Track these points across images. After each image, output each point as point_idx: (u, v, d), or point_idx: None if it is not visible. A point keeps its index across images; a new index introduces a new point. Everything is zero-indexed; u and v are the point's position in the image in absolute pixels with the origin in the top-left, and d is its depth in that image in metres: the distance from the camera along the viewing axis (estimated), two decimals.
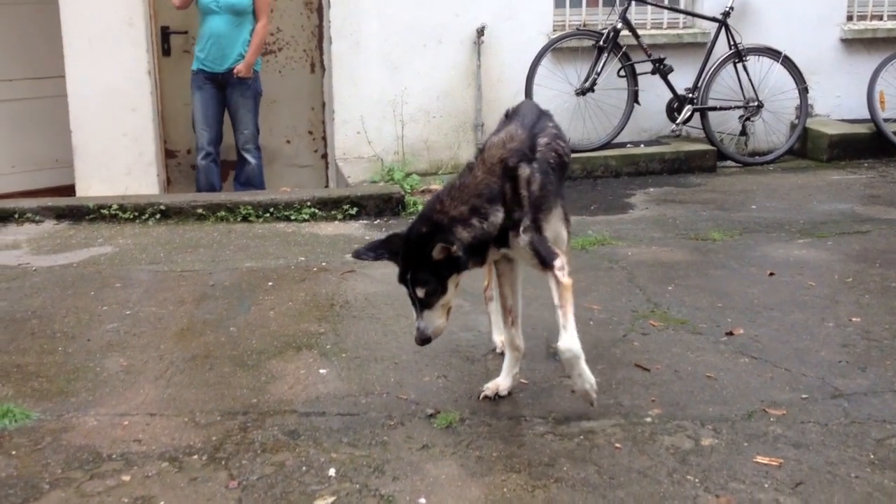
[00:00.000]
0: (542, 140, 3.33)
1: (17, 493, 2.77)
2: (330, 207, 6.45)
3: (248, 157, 7.28)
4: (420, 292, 2.99)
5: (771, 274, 4.74)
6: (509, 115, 3.56)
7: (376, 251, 3.09)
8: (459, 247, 2.94)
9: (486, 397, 3.31)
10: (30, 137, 8.12)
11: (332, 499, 2.70)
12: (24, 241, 5.88)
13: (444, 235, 2.95)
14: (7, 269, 5.25)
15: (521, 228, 3.11)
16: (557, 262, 3.16)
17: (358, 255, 3.12)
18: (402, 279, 3.02)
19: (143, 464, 2.93)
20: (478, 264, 3.16)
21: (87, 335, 4.12)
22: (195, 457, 2.98)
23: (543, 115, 3.54)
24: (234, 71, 7.04)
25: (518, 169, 3.15)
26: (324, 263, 5.15)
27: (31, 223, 6.33)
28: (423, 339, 3.05)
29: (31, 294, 4.74)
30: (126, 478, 2.85)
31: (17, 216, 6.35)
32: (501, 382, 3.34)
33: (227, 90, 7.15)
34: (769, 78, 7.93)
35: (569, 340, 3.10)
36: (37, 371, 3.71)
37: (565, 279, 3.15)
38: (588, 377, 3.13)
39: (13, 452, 3.02)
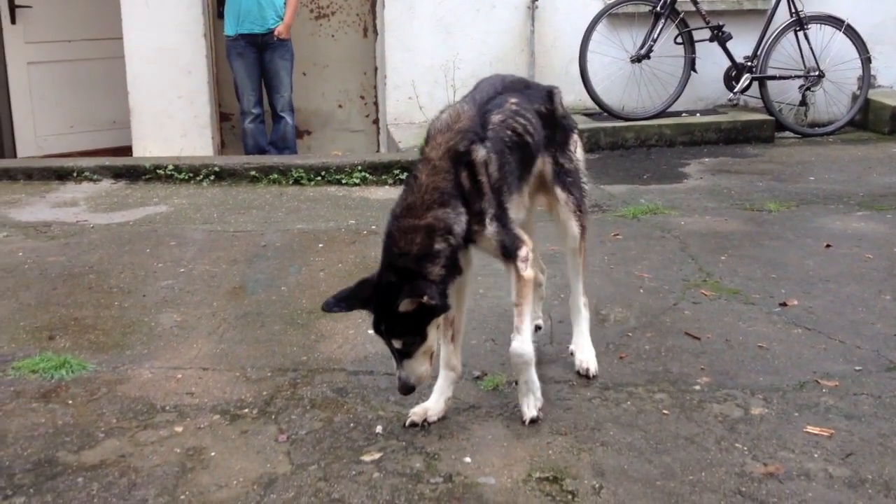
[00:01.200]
0: (496, 117, 2.92)
1: (73, 440, 2.84)
2: (381, 172, 6.47)
3: (287, 117, 7.39)
4: (397, 344, 2.72)
5: (828, 246, 4.65)
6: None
7: (348, 301, 2.77)
8: (433, 293, 2.64)
9: (412, 424, 2.90)
10: (88, 98, 8.25)
11: (378, 455, 2.73)
12: (82, 199, 6.00)
13: (412, 286, 2.62)
14: (65, 225, 5.36)
15: (487, 219, 2.79)
16: (521, 252, 2.84)
17: (328, 307, 2.79)
18: (377, 330, 2.75)
19: (196, 416, 2.99)
20: (457, 276, 2.82)
21: (142, 291, 4.20)
22: (246, 410, 3.03)
23: (509, 89, 3.08)
24: (275, 33, 7.09)
25: (471, 153, 2.79)
26: (374, 227, 5.18)
27: (89, 182, 6.45)
28: (407, 389, 2.77)
29: (88, 250, 4.84)
30: (179, 429, 2.91)
31: (75, 174, 6.48)
32: (432, 406, 2.94)
33: (265, 54, 7.22)
34: (831, 47, 7.74)
35: (521, 344, 2.83)
36: (93, 324, 3.80)
37: (526, 272, 2.83)
38: (535, 389, 2.89)
39: (69, 402, 3.10)
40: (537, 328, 3.41)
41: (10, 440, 2.83)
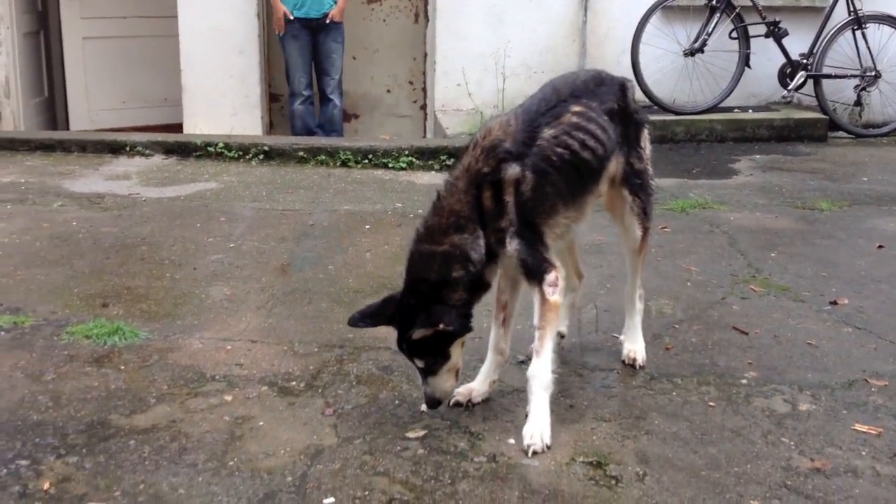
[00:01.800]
0: (548, 132, 2.78)
1: (126, 404, 2.90)
2: (427, 157, 6.50)
3: (336, 100, 7.43)
4: (420, 363, 2.72)
5: (880, 247, 4.60)
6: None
7: (373, 318, 2.78)
8: (451, 319, 2.64)
9: (456, 404, 2.90)
10: (141, 75, 8.36)
11: (423, 432, 2.75)
12: (134, 173, 6.09)
13: (427, 315, 2.62)
14: (118, 197, 5.45)
15: (507, 237, 2.70)
16: (549, 276, 2.72)
17: (354, 322, 2.81)
18: (400, 349, 2.75)
19: (245, 386, 3.04)
20: (486, 290, 2.82)
21: (193, 264, 4.26)
22: (293, 383, 3.06)
23: (578, 94, 2.93)
24: (330, 16, 7.13)
25: (500, 172, 2.69)
26: (420, 210, 5.18)
27: (141, 156, 6.56)
28: (433, 403, 2.76)
29: (140, 222, 4.92)
30: (228, 398, 2.95)
31: (128, 149, 6.59)
32: (477, 388, 2.95)
33: (319, 36, 7.25)
34: (889, 47, 7.63)
35: (539, 367, 2.74)
36: (146, 294, 3.87)
37: (553, 297, 2.72)
38: (544, 420, 2.70)
39: (122, 367, 3.16)
40: (561, 336, 3.32)
41: (64, 402, 2.90)
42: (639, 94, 7.27)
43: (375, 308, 2.80)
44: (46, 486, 2.43)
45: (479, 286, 2.76)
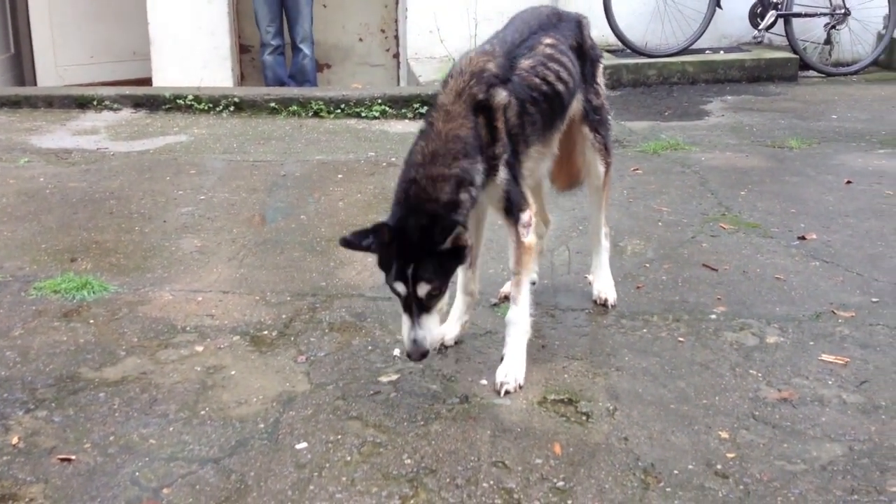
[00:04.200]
0: (525, 62, 2.77)
1: (95, 357, 2.89)
2: (400, 105, 6.44)
3: (305, 49, 7.31)
4: (423, 290, 2.49)
5: (848, 182, 4.62)
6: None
7: (366, 240, 2.56)
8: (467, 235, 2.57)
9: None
10: (108, 29, 8.23)
11: (396, 376, 2.77)
12: (103, 128, 6.02)
13: (443, 227, 2.48)
14: (86, 152, 5.39)
15: (500, 165, 2.66)
16: (524, 217, 2.72)
17: (347, 243, 2.59)
18: (401, 277, 2.50)
19: (216, 336, 3.03)
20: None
21: (162, 217, 4.23)
22: (265, 332, 3.07)
23: (544, 28, 2.92)
24: None
25: (490, 99, 2.65)
26: (393, 159, 5.17)
27: (109, 111, 6.46)
28: (422, 354, 2.54)
29: (109, 177, 4.87)
30: (199, 348, 2.95)
31: (95, 103, 6.49)
32: (449, 331, 2.94)
33: (287, 2, 7.13)
34: None
35: (518, 314, 2.76)
36: (114, 248, 3.84)
37: (527, 238, 2.72)
38: (519, 362, 2.72)
39: (91, 321, 3.15)
40: (532, 283, 3.24)
41: (32, 356, 2.88)
42: (611, 38, 7.26)
43: (368, 231, 2.57)
44: (15, 440, 2.42)
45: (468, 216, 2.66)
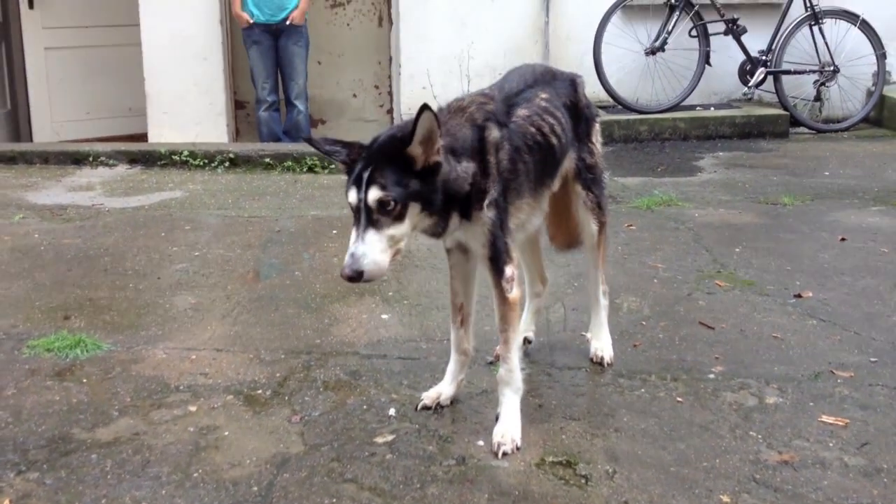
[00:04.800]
0: (522, 111, 2.77)
1: (88, 417, 2.85)
2: None
3: (300, 105, 7.36)
4: (373, 196, 2.34)
5: (842, 239, 4.64)
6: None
7: (332, 146, 2.51)
8: (444, 152, 2.44)
9: (424, 407, 2.87)
10: (104, 85, 8.27)
11: (391, 437, 2.73)
12: (98, 184, 6.03)
13: (424, 104, 2.35)
14: (81, 209, 5.39)
15: (487, 201, 2.58)
16: (507, 271, 2.65)
17: (311, 142, 2.57)
18: (355, 182, 2.37)
19: (210, 396, 3.00)
20: (435, 232, 2.60)
21: (157, 273, 4.21)
22: (259, 391, 3.03)
23: (539, 83, 2.93)
24: (290, 18, 7.07)
25: (486, 129, 2.61)
26: None
27: (105, 167, 6.49)
28: (354, 273, 2.34)
29: (103, 233, 4.87)
30: (192, 408, 2.92)
31: (91, 159, 6.52)
32: (444, 390, 2.91)
33: (280, 40, 7.19)
34: (846, 42, 7.72)
35: (507, 372, 2.73)
36: (108, 305, 3.82)
37: (511, 293, 2.67)
38: (515, 422, 2.69)
39: (84, 380, 3.12)
40: (527, 341, 3.32)
41: (25, 417, 2.85)
42: (602, 94, 7.33)
43: (340, 143, 2.52)
44: (6, 503, 2.38)
45: (445, 207, 2.53)
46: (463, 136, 2.58)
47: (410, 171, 2.40)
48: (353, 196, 2.38)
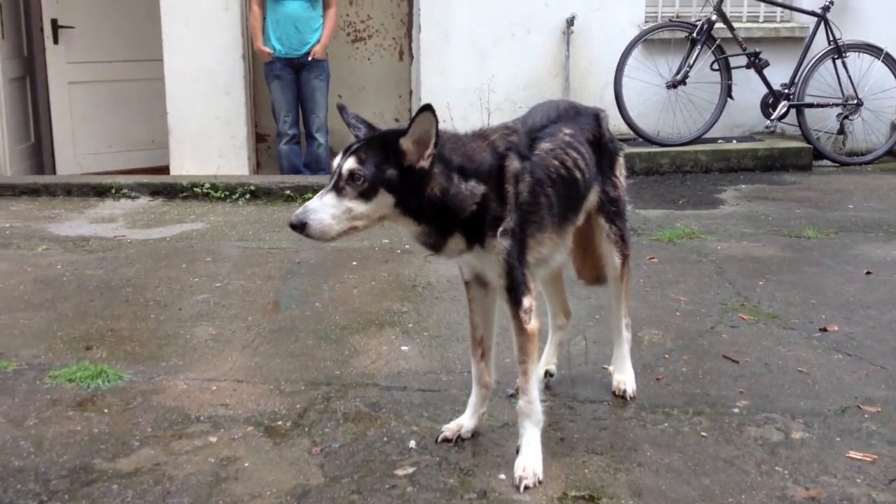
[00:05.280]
0: (545, 145, 2.76)
1: (109, 448, 2.85)
2: None
3: (320, 138, 7.38)
4: (348, 164, 2.40)
5: (868, 273, 4.59)
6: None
7: (356, 121, 2.58)
8: (435, 161, 2.45)
9: (445, 439, 2.85)
10: (127, 118, 8.35)
11: (412, 469, 2.71)
12: (120, 216, 6.07)
13: (427, 105, 2.41)
14: (103, 240, 5.42)
15: (501, 229, 2.57)
16: (525, 302, 2.64)
17: (341, 110, 2.63)
18: (344, 151, 2.45)
19: (230, 427, 2.99)
20: (428, 243, 2.59)
21: (178, 304, 4.22)
22: (280, 423, 3.02)
23: (563, 118, 2.92)
24: (311, 53, 7.12)
25: (507, 158, 2.61)
26: (407, 246, 5.15)
27: (127, 199, 6.54)
28: (298, 222, 2.40)
29: (125, 264, 4.89)
30: (213, 439, 2.90)
31: (113, 191, 6.57)
32: (465, 423, 2.89)
33: (301, 75, 7.24)
34: (869, 75, 7.70)
35: (527, 404, 2.70)
36: (130, 336, 3.82)
37: (530, 325, 2.65)
38: (536, 455, 2.66)
39: (105, 411, 3.11)
40: (549, 374, 3.30)
41: (47, 447, 2.84)
42: (623, 127, 7.33)
43: (365, 122, 2.58)
44: None
45: (446, 221, 2.54)
46: (479, 158, 2.58)
47: (396, 162, 2.44)
48: (335, 161, 2.46)
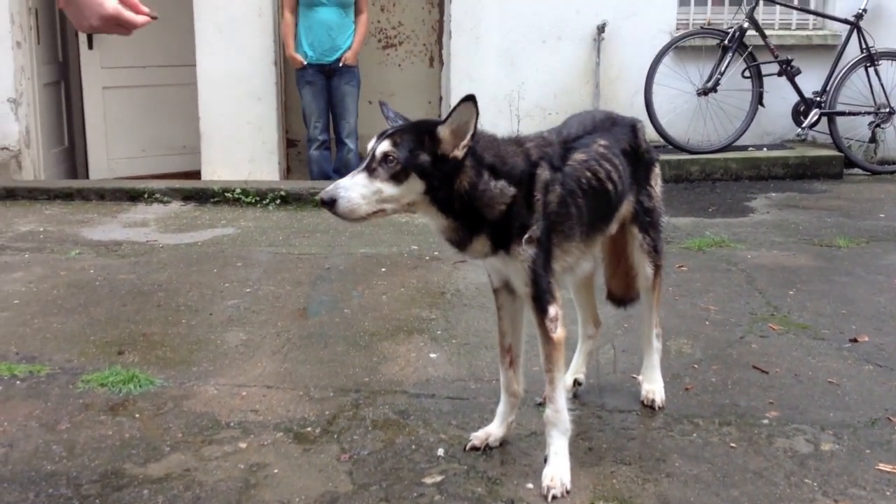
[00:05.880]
0: (579, 156, 2.77)
1: (140, 453, 2.88)
2: None
3: (350, 143, 7.41)
4: (382, 147, 2.43)
5: None
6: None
7: (395, 115, 2.62)
8: (469, 154, 2.47)
9: (473, 448, 2.87)
10: (160, 123, 8.44)
11: (440, 478, 2.72)
12: (153, 220, 6.14)
13: (469, 95, 2.43)
14: (136, 245, 5.49)
15: (527, 237, 2.58)
16: (551, 311, 2.65)
17: (382, 105, 2.71)
18: (380, 135, 2.48)
19: (260, 433, 3.01)
20: (452, 239, 2.61)
21: (209, 309, 4.27)
22: (309, 429, 3.04)
23: (599, 129, 2.93)
24: (343, 59, 7.16)
25: (538, 167, 2.62)
26: (436, 253, 5.20)
27: (159, 203, 6.61)
28: (328, 198, 2.40)
29: (157, 269, 4.94)
30: (243, 445, 2.93)
31: (146, 196, 6.64)
32: (494, 431, 2.90)
33: (332, 80, 7.27)
34: None
35: (554, 413, 2.71)
36: (161, 341, 3.87)
37: (556, 333, 2.66)
38: (563, 464, 2.67)
39: (137, 415, 3.15)
40: (578, 383, 3.30)
41: (78, 451, 2.88)
42: (653, 134, 7.30)
43: (402, 117, 2.62)
44: None
45: (472, 217, 2.55)
46: (511, 162, 2.60)
47: (430, 149, 2.46)
48: (370, 144, 2.48)
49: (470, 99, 2.41)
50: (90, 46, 8.04)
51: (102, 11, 2.18)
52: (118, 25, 2.23)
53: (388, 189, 2.44)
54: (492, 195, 2.55)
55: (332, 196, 2.40)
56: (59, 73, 8.37)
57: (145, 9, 2.29)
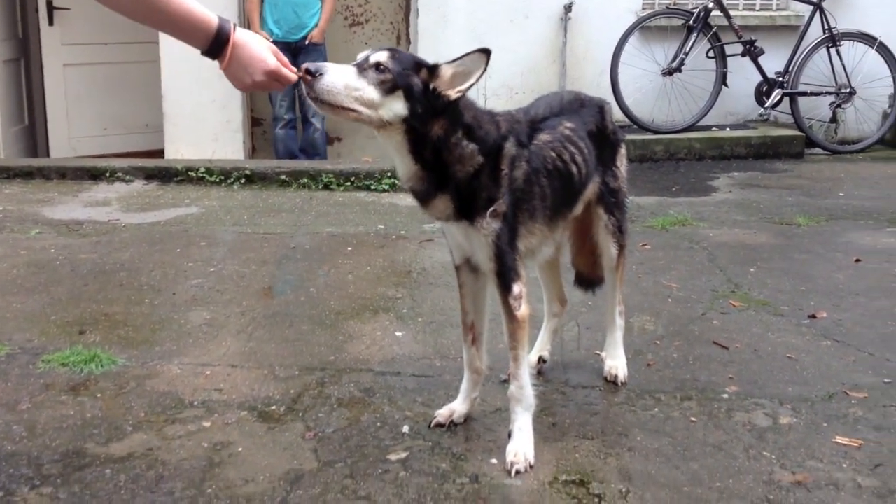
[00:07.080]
0: (545, 136, 2.78)
1: (102, 433, 2.86)
2: None
3: (316, 122, 7.37)
4: (378, 56, 2.42)
5: (857, 260, 4.63)
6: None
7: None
8: (455, 106, 2.49)
9: (437, 424, 2.88)
10: (122, 101, 8.34)
11: (405, 454, 2.73)
12: (115, 199, 6.07)
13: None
14: (98, 224, 5.43)
15: (492, 209, 2.58)
16: (515, 288, 2.65)
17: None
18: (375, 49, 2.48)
19: (224, 412, 3.01)
20: (416, 187, 2.60)
21: (172, 289, 4.24)
22: (273, 408, 3.04)
23: (566, 111, 2.94)
24: (309, 37, 7.11)
25: (506, 140, 2.63)
26: (402, 232, 5.20)
27: (122, 182, 6.54)
28: (315, 70, 2.37)
29: (119, 248, 4.90)
30: (206, 424, 2.92)
31: (108, 175, 6.57)
32: (458, 408, 2.92)
33: (299, 59, 7.19)
34: (863, 64, 7.73)
35: (518, 389, 2.73)
36: (124, 320, 3.84)
37: (520, 311, 2.66)
38: (527, 440, 2.69)
39: (98, 395, 3.13)
40: (543, 360, 3.33)
41: (39, 431, 2.86)
42: (618, 114, 7.32)
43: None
44: None
45: (440, 175, 2.56)
46: (485, 128, 2.61)
47: (425, 80, 2.46)
48: (361, 55, 2.46)
49: (485, 51, 2.43)
50: (51, 23, 7.91)
51: (266, 67, 2.37)
52: (276, 80, 2.40)
53: (371, 93, 2.40)
54: (462, 153, 2.55)
55: (318, 69, 2.38)
56: (19, 49, 8.23)
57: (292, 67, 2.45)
